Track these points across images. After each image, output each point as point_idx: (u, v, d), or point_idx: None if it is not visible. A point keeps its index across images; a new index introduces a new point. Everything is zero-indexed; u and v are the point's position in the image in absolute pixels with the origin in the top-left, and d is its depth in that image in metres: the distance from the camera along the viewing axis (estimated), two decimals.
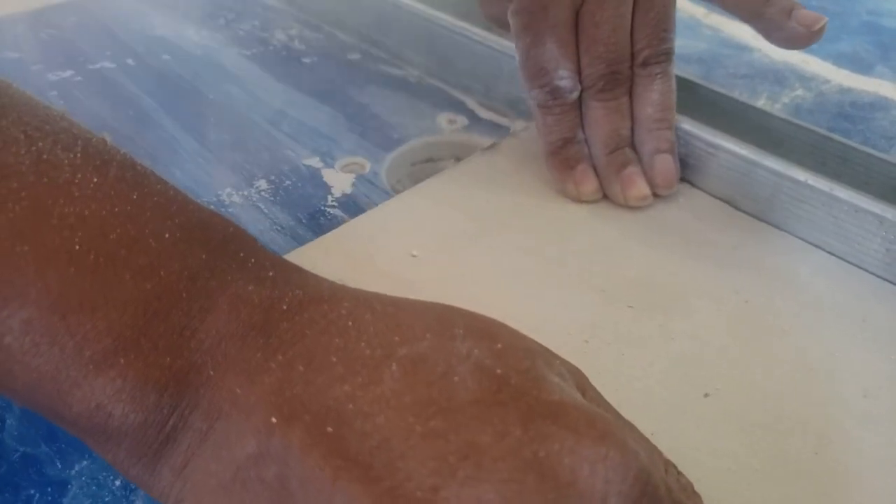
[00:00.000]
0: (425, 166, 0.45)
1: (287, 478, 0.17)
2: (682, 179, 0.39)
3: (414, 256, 0.34)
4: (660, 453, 0.21)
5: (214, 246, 0.22)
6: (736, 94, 0.42)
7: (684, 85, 0.41)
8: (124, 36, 0.54)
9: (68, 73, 0.49)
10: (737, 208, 0.38)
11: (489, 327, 0.20)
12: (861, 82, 0.51)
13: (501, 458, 0.17)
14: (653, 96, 0.37)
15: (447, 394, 0.18)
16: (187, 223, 0.22)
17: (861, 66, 0.53)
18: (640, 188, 0.37)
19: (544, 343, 0.22)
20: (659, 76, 0.38)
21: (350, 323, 0.20)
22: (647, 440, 0.21)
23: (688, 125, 0.38)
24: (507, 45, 0.45)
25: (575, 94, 0.38)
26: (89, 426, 0.19)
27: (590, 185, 0.38)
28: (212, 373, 0.19)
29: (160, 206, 0.22)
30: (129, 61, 0.51)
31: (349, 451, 0.17)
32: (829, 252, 0.35)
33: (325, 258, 0.34)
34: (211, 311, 0.20)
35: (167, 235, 0.21)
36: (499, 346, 0.20)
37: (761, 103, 0.48)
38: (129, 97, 0.47)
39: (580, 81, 0.38)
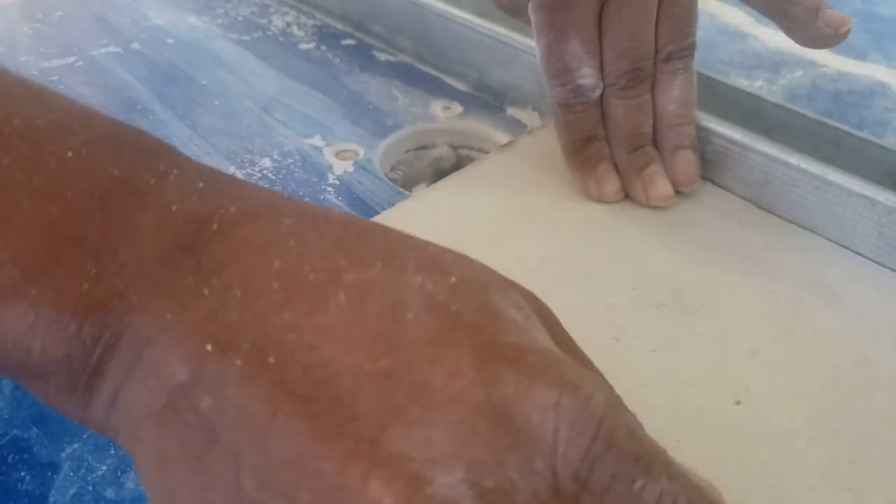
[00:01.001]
0: (419, 153, 0.45)
1: (222, 409, 0.16)
2: (705, 178, 0.38)
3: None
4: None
5: (128, 160, 0.19)
6: (731, 80, 0.42)
7: None
8: (118, 24, 0.54)
9: (61, 61, 0.49)
10: (736, 195, 0.38)
11: (441, 258, 0.19)
12: (857, 67, 0.51)
13: (453, 400, 0.16)
14: (674, 92, 0.37)
15: (398, 329, 0.17)
16: (93, 138, 0.19)
17: (855, 53, 0.53)
18: (663, 188, 0.36)
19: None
20: (680, 72, 0.37)
21: (291, 242, 0.18)
22: (610, 388, 0.20)
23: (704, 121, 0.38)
24: (500, 33, 0.45)
25: (597, 93, 0.37)
26: (12, 365, 0.18)
27: (612, 186, 0.37)
28: (136, 298, 0.18)
29: (59, 124, 0.19)
30: (123, 49, 0.51)
31: (292, 383, 0.16)
32: (859, 254, 0.34)
33: None
34: (131, 231, 0.18)
35: (70, 154, 0.19)
36: (452, 279, 0.18)
37: (758, 85, 0.48)
38: (122, 85, 0.47)
39: (602, 78, 0.37)
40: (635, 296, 0.32)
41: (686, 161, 0.37)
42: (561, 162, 0.39)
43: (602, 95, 0.37)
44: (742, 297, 0.32)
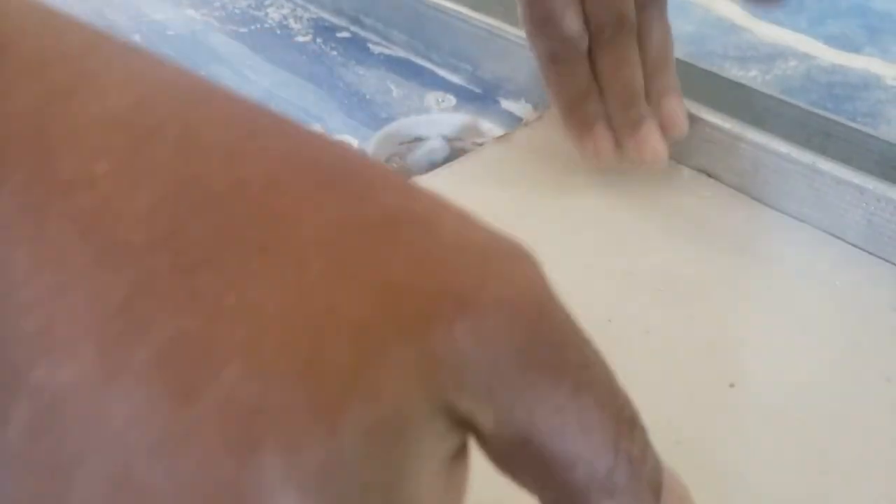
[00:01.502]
0: (413, 145, 0.45)
1: None
2: (696, 168, 0.39)
3: None
4: None
5: None
6: (723, 71, 0.42)
7: (678, 66, 0.41)
8: (115, 17, 0.54)
9: None
10: (726, 184, 0.38)
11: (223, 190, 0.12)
12: (851, 60, 0.51)
13: None
14: (653, 39, 0.37)
15: None
16: None
17: (850, 47, 0.53)
18: (656, 147, 0.36)
19: None
20: (656, 19, 0.37)
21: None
22: None
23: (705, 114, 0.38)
24: (494, 26, 0.46)
25: (585, 43, 0.37)
26: None
27: (608, 146, 0.37)
28: None
29: None
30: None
31: None
32: (848, 243, 0.35)
33: None
34: None
35: None
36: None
37: (752, 75, 0.48)
38: None
39: (588, 31, 0.37)
40: (630, 281, 0.32)
41: (674, 106, 0.37)
42: (557, 154, 0.39)
43: (590, 49, 0.37)
44: (735, 286, 0.32)
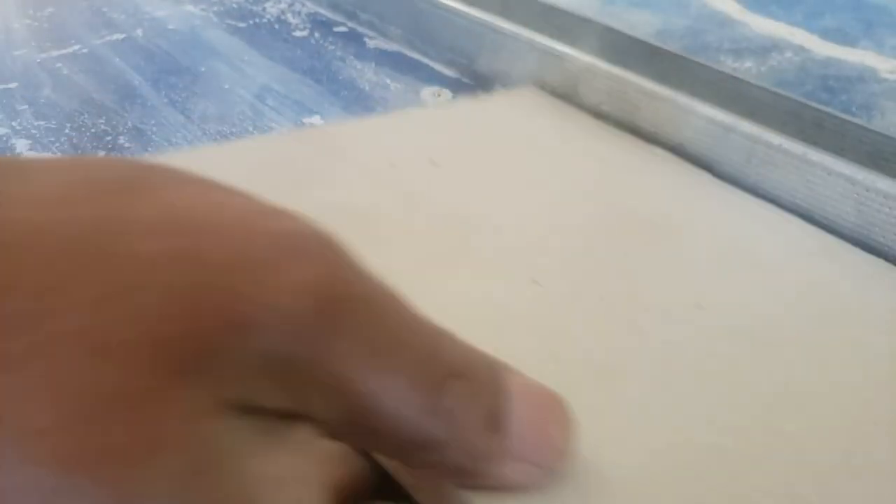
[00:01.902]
0: None
1: None
2: (686, 158, 0.39)
3: (434, 164, 0.35)
4: None
5: None
6: (717, 63, 0.42)
7: (671, 59, 0.41)
8: (115, 14, 0.55)
9: (60, 51, 0.50)
10: (714, 173, 0.38)
11: None
12: (846, 53, 0.51)
13: None
14: None
15: None
16: None
17: (845, 41, 0.53)
18: None
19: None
20: None
21: None
22: None
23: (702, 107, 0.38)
24: (489, 21, 0.46)
25: None
26: None
27: None
28: None
29: None
30: (120, 38, 0.52)
31: None
32: (838, 233, 0.35)
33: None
34: None
35: None
36: None
37: (747, 66, 0.49)
38: (117, 73, 0.48)
39: None
40: (600, 221, 0.33)
41: None
42: (528, 113, 0.40)
43: None
44: (704, 236, 0.33)
